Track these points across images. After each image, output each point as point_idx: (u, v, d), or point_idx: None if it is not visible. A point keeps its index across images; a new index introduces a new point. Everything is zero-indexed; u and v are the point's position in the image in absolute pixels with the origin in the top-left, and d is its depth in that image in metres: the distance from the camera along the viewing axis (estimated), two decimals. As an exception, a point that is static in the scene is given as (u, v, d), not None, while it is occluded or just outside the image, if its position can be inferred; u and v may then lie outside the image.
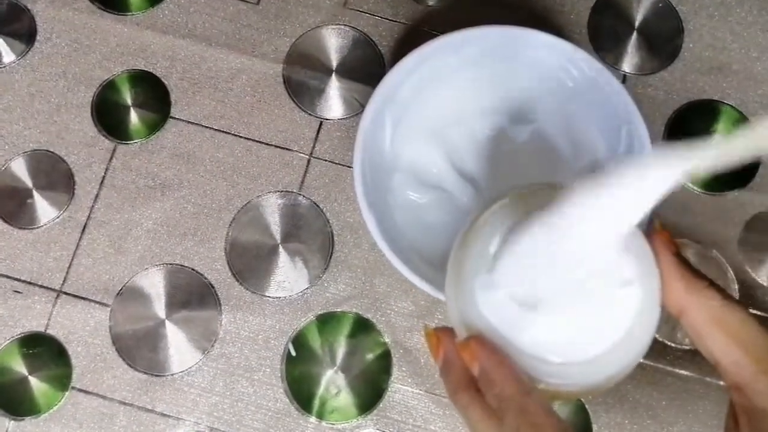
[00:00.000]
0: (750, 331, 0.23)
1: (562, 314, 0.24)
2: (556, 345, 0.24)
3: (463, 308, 0.25)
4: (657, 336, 0.39)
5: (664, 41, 0.44)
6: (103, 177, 0.40)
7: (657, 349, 0.39)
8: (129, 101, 0.42)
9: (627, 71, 0.43)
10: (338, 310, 0.39)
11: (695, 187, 0.41)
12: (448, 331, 0.26)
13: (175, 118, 0.41)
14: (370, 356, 0.38)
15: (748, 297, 0.40)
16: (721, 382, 0.38)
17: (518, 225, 0.25)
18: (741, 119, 0.42)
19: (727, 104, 0.42)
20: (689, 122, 0.42)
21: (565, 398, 0.28)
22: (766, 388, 0.22)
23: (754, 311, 0.39)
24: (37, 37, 0.42)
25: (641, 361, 0.39)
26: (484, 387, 0.24)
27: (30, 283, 0.39)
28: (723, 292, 0.24)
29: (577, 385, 0.24)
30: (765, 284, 0.40)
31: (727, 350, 0.23)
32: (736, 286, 0.40)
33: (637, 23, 0.44)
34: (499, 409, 0.23)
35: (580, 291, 0.24)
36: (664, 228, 0.26)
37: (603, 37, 0.43)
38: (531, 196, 0.26)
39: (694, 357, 0.39)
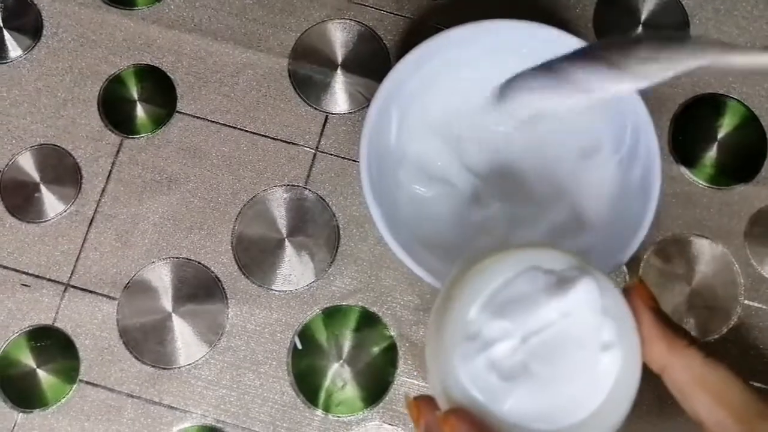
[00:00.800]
0: (732, 391, 0.23)
1: (543, 382, 0.24)
2: (539, 413, 0.24)
3: (443, 378, 0.25)
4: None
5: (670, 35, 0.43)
6: (110, 171, 0.41)
7: (662, 343, 0.39)
8: (135, 96, 0.42)
9: (632, 65, 0.43)
10: (344, 303, 0.39)
11: (701, 181, 0.41)
12: (429, 401, 0.26)
13: (181, 113, 0.42)
14: (375, 349, 0.38)
15: (753, 291, 0.40)
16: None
17: (497, 292, 0.25)
18: (747, 113, 0.42)
19: (733, 98, 0.42)
20: (695, 116, 0.42)
21: None
22: None
23: (760, 305, 0.40)
24: (44, 32, 0.43)
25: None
26: None
27: (38, 276, 0.39)
28: (704, 350, 0.24)
29: None
30: (770, 278, 0.40)
31: (710, 410, 0.23)
32: (742, 280, 0.40)
33: (643, 17, 0.44)
34: None
35: (560, 357, 0.24)
36: (642, 283, 0.26)
37: (609, 32, 0.43)
38: (511, 256, 0.26)
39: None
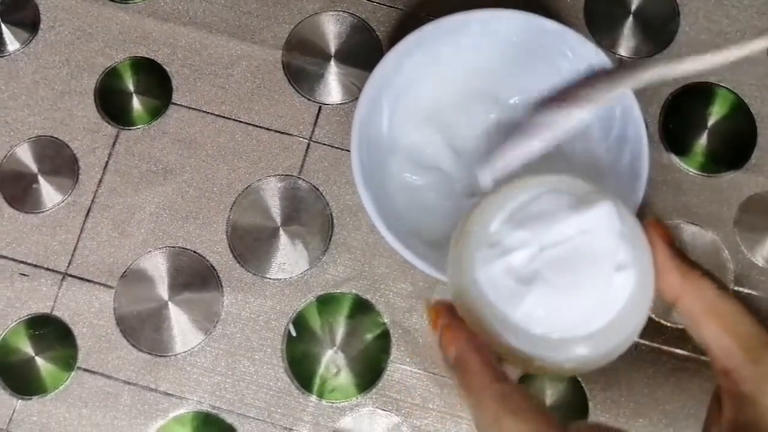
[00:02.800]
0: (741, 322, 0.24)
1: (557, 290, 0.24)
2: (551, 322, 0.25)
3: (461, 283, 0.26)
4: (653, 316, 0.40)
5: (660, 25, 0.44)
6: (107, 162, 0.41)
7: (653, 329, 0.39)
8: (131, 88, 0.42)
9: (623, 55, 0.43)
10: (338, 291, 0.40)
11: (691, 169, 0.42)
12: (448, 305, 0.27)
13: (176, 104, 0.42)
14: (369, 336, 0.39)
15: (743, 277, 0.40)
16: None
17: (519, 208, 0.25)
18: (736, 101, 0.42)
19: (723, 87, 0.43)
20: (685, 105, 0.43)
21: (558, 374, 0.28)
22: (753, 375, 0.23)
23: (750, 291, 0.40)
24: (41, 26, 0.43)
25: (637, 340, 0.39)
26: (459, 373, 0.24)
27: (36, 266, 0.40)
28: (718, 282, 0.25)
29: (572, 361, 0.25)
30: (760, 264, 0.40)
31: (718, 338, 0.24)
32: (732, 267, 0.40)
33: (633, 7, 0.44)
34: (476, 398, 0.23)
35: (575, 270, 0.25)
36: (659, 221, 0.27)
37: (599, 22, 0.44)
38: (534, 180, 0.26)
39: (688, 336, 0.39)
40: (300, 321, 0.39)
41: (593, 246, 0.25)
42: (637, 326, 0.25)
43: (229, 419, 0.38)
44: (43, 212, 0.40)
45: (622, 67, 0.31)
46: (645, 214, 0.40)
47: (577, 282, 0.25)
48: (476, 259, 0.25)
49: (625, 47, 0.43)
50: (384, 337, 0.39)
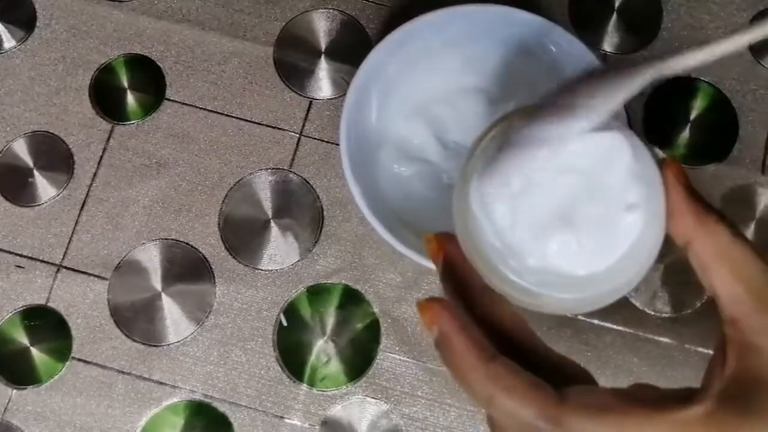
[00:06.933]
0: (754, 269, 0.23)
1: (563, 228, 0.23)
2: (551, 257, 0.24)
3: (464, 214, 0.25)
4: (637, 305, 0.40)
5: (643, 21, 0.45)
6: (101, 156, 0.42)
7: (638, 317, 0.40)
8: (125, 84, 0.43)
9: (607, 50, 0.44)
10: (328, 281, 0.40)
11: (674, 161, 0.42)
12: (450, 236, 0.26)
13: (170, 100, 0.43)
14: (359, 326, 0.40)
15: (725, 266, 0.41)
16: (699, 349, 0.40)
17: (519, 134, 0.24)
18: (718, 95, 0.43)
19: (705, 81, 0.44)
20: (668, 99, 0.43)
21: (562, 312, 0.27)
22: (761, 325, 0.22)
23: (732, 280, 0.41)
24: (37, 24, 0.44)
25: (622, 329, 0.40)
26: (445, 353, 0.23)
27: (31, 258, 0.40)
28: (733, 228, 0.24)
29: (568, 300, 0.24)
30: (742, 254, 0.41)
31: (728, 285, 0.23)
32: (714, 256, 0.41)
33: (617, 4, 0.45)
34: (466, 380, 0.23)
35: (582, 203, 0.24)
36: (675, 160, 0.26)
37: (584, 18, 0.45)
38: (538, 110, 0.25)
39: (673, 325, 0.40)
40: (291, 311, 0.40)
41: (604, 183, 0.23)
42: (643, 269, 0.24)
43: (222, 408, 0.38)
44: (38, 206, 0.41)
45: (612, 70, 0.26)
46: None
47: (582, 216, 0.23)
48: (473, 186, 0.24)
49: (609, 43, 0.44)
50: (373, 327, 0.40)
